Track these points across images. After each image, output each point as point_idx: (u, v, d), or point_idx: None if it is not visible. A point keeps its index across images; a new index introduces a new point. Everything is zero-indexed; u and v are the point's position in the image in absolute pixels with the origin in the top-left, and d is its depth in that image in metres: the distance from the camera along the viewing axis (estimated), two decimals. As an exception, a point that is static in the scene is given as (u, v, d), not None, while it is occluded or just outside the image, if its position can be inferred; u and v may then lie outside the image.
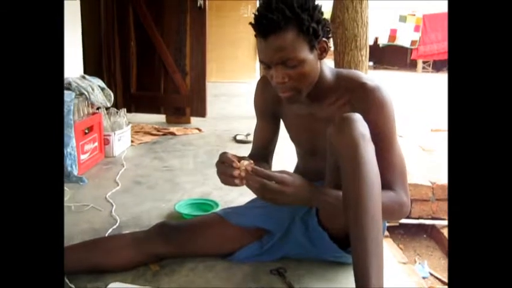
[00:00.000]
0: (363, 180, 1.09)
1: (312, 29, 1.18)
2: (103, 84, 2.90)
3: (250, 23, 1.20)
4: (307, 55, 1.20)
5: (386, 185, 1.22)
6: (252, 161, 1.21)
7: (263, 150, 1.56)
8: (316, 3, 1.20)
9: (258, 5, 1.23)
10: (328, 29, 1.24)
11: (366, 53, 2.49)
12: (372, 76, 1.34)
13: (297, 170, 1.53)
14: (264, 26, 1.16)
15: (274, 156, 1.60)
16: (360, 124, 1.13)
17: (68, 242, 1.48)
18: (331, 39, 1.28)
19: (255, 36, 1.22)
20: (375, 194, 1.10)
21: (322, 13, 1.22)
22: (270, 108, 1.50)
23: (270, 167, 1.54)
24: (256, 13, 1.19)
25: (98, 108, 2.81)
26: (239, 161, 1.20)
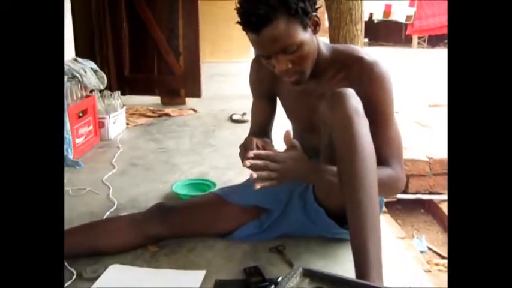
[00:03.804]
0: (357, 155, 1.08)
1: (301, 9, 1.14)
2: (95, 67, 2.87)
3: (238, 22, 1.16)
4: (303, 36, 1.17)
5: (383, 160, 1.21)
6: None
7: (262, 129, 1.54)
8: None
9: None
10: (315, 1, 1.20)
11: (361, 27, 2.45)
12: (369, 51, 1.32)
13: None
14: (253, 22, 1.12)
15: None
16: (353, 99, 1.12)
17: (66, 225, 1.46)
18: (321, 11, 1.25)
19: (243, 29, 1.18)
20: (370, 169, 1.10)
21: None
22: (265, 87, 1.48)
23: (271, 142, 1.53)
24: (241, 9, 1.14)
25: (91, 91, 2.78)
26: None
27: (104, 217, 1.71)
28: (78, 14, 3.36)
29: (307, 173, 1.19)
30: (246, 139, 1.28)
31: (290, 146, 1.20)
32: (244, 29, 1.17)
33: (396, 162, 1.25)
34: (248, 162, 1.12)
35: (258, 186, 1.12)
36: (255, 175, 1.11)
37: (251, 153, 1.14)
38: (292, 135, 1.34)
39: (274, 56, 1.19)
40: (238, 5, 1.15)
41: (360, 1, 2.39)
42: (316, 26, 1.22)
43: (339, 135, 1.12)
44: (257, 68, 1.47)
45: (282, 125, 1.56)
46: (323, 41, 1.33)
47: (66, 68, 2.52)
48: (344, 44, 1.54)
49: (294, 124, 1.52)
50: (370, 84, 1.22)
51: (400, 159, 1.27)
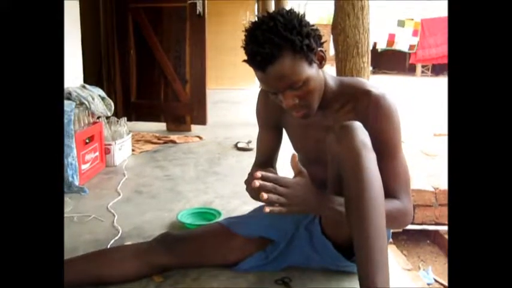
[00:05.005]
0: (365, 189, 1.08)
1: (306, 46, 1.15)
2: (103, 94, 2.90)
3: (244, 60, 1.18)
4: (309, 71, 1.18)
5: (390, 193, 1.21)
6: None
7: (267, 159, 1.54)
8: (299, 16, 1.17)
9: (246, 35, 1.16)
10: (320, 37, 1.22)
11: (367, 59, 2.48)
12: (376, 83, 1.33)
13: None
14: (259, 60, 1.14)
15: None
16: (361, 132, 1.12)
17: (70, 253, 1.47)
18: (329, 44, 1.27)
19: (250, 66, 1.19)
20: (378, 203, 1.09)
21: (308, 24, 1.18)
22: (272, 118, 1.49)
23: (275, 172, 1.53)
24: (247, 47, 1.16)
25: (98, 118, 2.80)
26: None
27: (109, 245, 1.70)
28: (87, 41, 3.42)
29: (314, 201, 1.18)
30: (250, 174, 1.27)
31: (298, 172, 1.19)
32: (250, 66, 1.18)
33: (404, 195, 1.25)
34: (257, 182, 1.11)
35: (267, 209, 1.11)
36: (267, 209, 1.11)
37: (259, 174, 1.13)
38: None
39: (281, 92, 1.20)
40: (244, 44, 1.17)
41: (366, 34, 2.43)
42: (321, 61, 1.24)
43: (346, 168, 1.12)
44: (264, 99, 1.48)
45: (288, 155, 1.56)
46: (329, 73, 1.34)
47: (74, 94, 2.55)
48: (351, 77, 1.55)
49: (300, 156, 1.52)
50: (377, 117, 1.22)
51: (408, 192, 1.27)
